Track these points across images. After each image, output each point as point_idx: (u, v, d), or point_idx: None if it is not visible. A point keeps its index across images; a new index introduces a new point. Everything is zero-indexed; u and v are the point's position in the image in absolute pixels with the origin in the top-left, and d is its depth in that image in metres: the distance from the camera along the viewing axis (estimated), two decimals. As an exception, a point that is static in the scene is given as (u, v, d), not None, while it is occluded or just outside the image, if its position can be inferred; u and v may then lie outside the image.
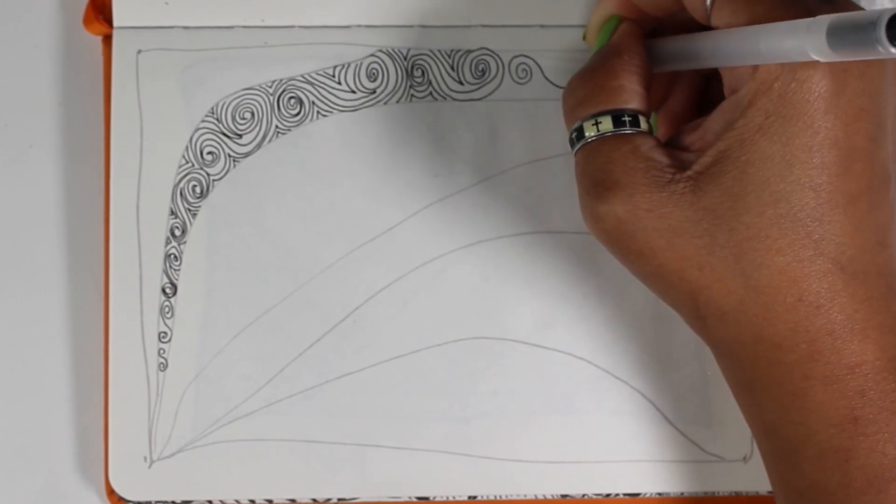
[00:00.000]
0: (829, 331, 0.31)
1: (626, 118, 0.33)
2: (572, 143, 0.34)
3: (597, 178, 0.32)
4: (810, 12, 0.29)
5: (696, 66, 0.33)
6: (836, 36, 0.26)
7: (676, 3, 0.34)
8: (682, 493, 0.40)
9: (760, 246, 0.30)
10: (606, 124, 0.33)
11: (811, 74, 0.29)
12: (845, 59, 0.27)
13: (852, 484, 0.31)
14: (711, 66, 0.32)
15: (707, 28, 0.33)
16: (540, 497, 0.40)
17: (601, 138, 0.33)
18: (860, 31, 0.26)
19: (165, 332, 0.40)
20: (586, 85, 0.34)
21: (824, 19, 0.27)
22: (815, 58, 0.27)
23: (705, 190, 0.31)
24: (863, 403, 0.31)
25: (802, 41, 0.28)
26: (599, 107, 0.33)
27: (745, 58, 0.30)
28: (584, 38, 0.39)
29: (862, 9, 0.30)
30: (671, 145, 0.33)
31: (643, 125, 0.33)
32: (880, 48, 0.25)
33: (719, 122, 0.31)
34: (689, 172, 0.31)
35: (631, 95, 0.33)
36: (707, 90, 0.37)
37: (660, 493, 0.40)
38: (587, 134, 0.33)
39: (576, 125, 0.33)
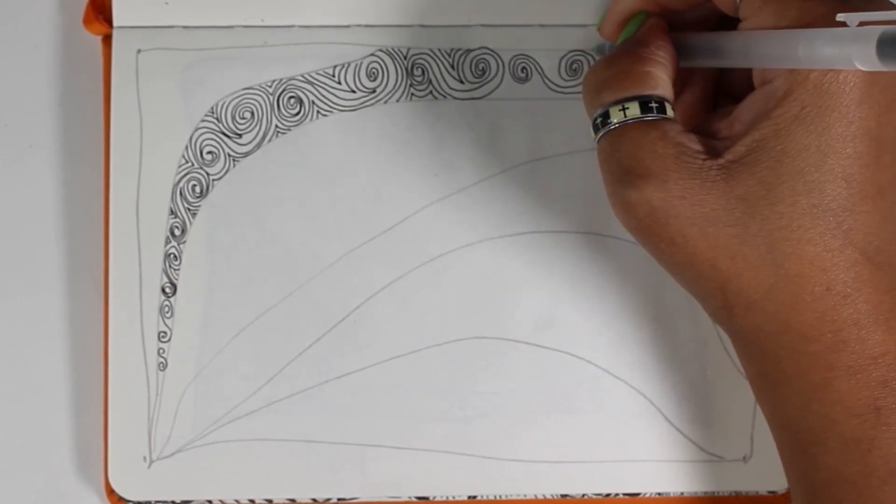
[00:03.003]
0: (855, 321, 0.31)
1: (654, 104, 0.32)
2: (596, 129, 0.33)
3: (626, 165, 0.32)
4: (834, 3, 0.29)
5: (726, 65, 0.33)
6: (888, 47, 0.26)
7: None
8: (682, 493, 0.40)
9: (793, 235, 0.30)
10: (634, 110, 0.32)
11: None
12: (892, 70, 0.27)
13: (874, 474, 0.31)
14: (743, 66, 0.32)
15: (732, 19, 0.32)
16: (540, 497, 0.40)
17: (628, 124, 0.32)
18: None
19: (165, 332, 0.40)
20: (612, 69, 0.33)
21: (874, 31, 0.26)
22: (860, 67, 0.27)
23: (739, 179, 0.31)
24: (885, 393, 0.31)
25: (847, 51, 0.27)
26: (626, 92, 0.32)
27: (781, 61, 0.30)
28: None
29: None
30: (699, 132, 0.33)
31: (670, 112, 0.32)
32: None
33: (751, 111, 0.31)
34: (721, 160, 0.31)
35: (658, 82, 0.32)
36: (721, 81, 0.37)
37: (660, 493, 0.40)
38: (613, 119, 0.32)
39: (600, 111, 0.33)
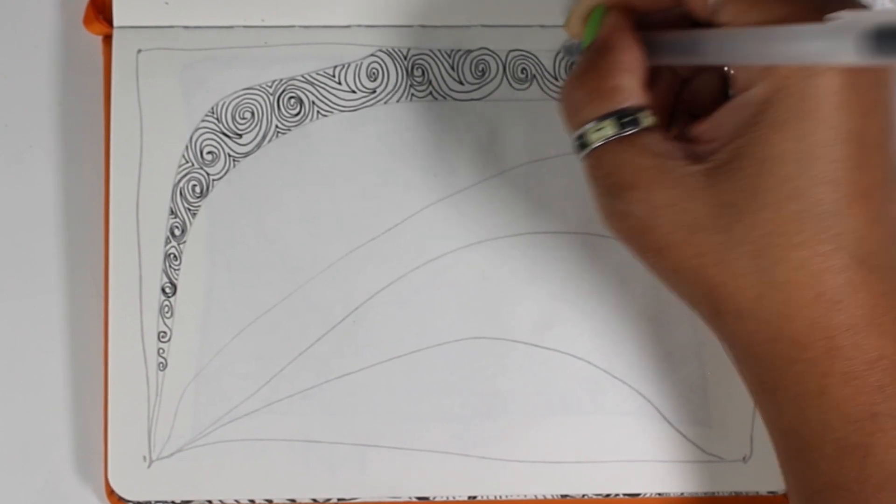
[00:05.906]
0: (849, 326, 0.30)
1: (628, 118, 0.32)
2: (577, 150, 0.33)
3: (610, 181, 0.32)
4: (817, 6, 0.29)
5: (699, 63, 0.33)
6: (870, 41, 0.26)
7: None
8: (682, 494, 0.40)
9: (779, 241, 0.30)
10: (610, 128, 0.32)
11: (824, 70, 0.29)
12: (873, 64, 0.26)
13: (869, 480, 0.31)
14: (717, 64, 0.32)
15: (704, 25, 0.32)
16: (540, 497, 0.40)
17: (607, 143, 0.32)
18: None
19: (165, 332, 0.40)
20: (582, 89, 0.33)
21: (853, 23, 0.26)
22: (839, 62, 0.27)
23: (723, 186, 0.31)
24: (882, 399, 0.30)
25: (826, 46, 0.27)
26: (599, 111, 0.32)
27: (756, 59, 0.30)
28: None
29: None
30: (680, 137, 0.33)
31: (647, 121, 0.32)
32: None
33: (731, 117, 0.31)
34: (704, 166, 0.31)
35: (629, 93, 0.32)
36: (690, 80, 0.37)
37: (660, 494, 0.40)
38: (592, 140, 0.33)
39: (578, 132, 0.33)
